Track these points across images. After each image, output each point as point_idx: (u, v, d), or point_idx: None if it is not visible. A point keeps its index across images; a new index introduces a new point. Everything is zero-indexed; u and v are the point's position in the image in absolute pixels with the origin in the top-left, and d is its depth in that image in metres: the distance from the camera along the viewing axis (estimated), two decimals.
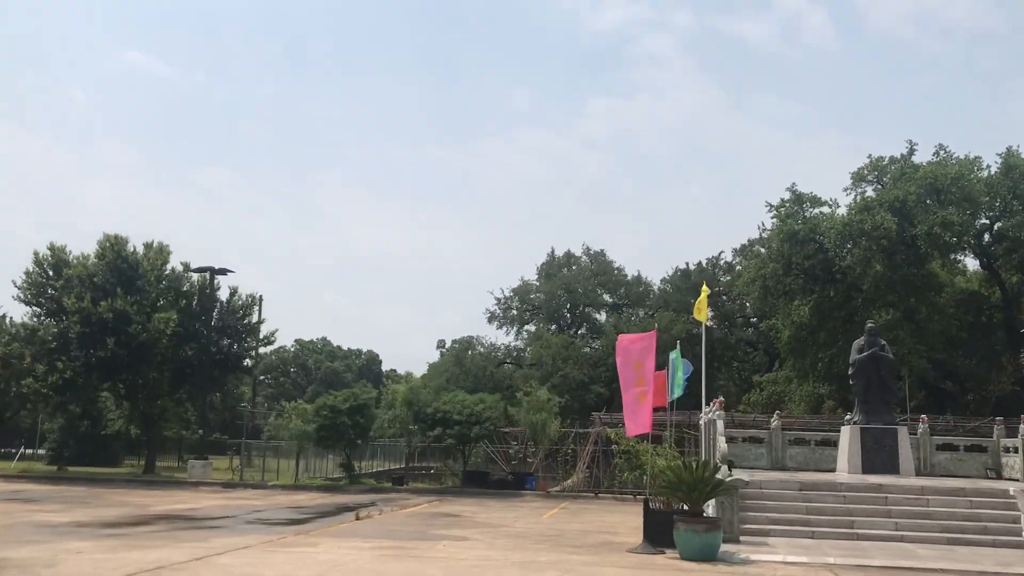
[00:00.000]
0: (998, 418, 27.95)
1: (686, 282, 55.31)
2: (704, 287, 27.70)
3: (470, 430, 30.45)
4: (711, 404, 21.86)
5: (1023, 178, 34.71)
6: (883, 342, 24.96)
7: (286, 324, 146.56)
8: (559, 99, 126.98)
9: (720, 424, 20.31)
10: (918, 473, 26.44)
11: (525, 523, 21.37)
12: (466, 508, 25.10)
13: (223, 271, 37.10)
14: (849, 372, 25.10)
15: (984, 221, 37.24)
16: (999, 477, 26.13)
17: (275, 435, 34.74)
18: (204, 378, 37.18)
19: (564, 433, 33.25)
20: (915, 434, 27.09)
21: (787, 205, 37.66)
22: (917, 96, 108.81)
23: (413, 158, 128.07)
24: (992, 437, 27.13)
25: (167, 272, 38.58)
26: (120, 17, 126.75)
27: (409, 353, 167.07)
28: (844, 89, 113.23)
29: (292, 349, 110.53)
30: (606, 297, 63.18)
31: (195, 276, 38.74)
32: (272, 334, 40.39)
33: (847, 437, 24.18)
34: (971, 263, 42.18)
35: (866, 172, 37.03)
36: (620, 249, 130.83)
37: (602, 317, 61.80)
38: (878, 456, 23.54)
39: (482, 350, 58.70)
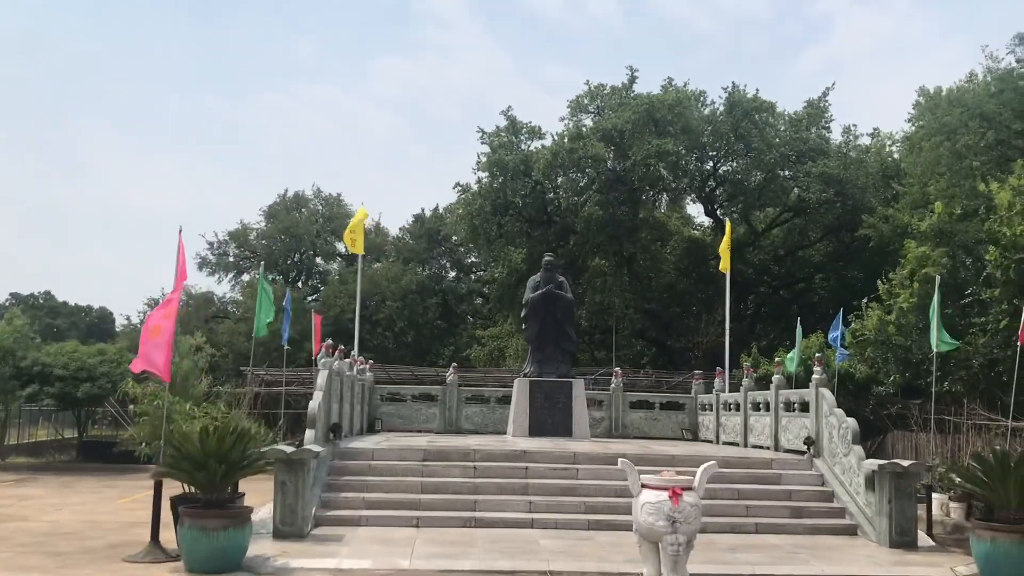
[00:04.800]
0: (697, 372, 24.75)
1: (420, 229, 50.55)
2: (362, 210, 22.64)
3: (77, 388, 23.89)
4: (324, 350, 16.55)
5: (745, 115, 31.97)
6: (562, 279, 20.65)
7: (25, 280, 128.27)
8: (344, 55, 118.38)
9: (321, 377, 15.21)
10: (609, 435, 22.81)
11: (68, 513, 15.73)
12: (33, 492, 19.00)
13: None
14: (522, 315, 20.75)
15: (709, 165, 34.51)
16: (695, 438, 22.92)
17: None
18: None
19: (216, 392, 26.89)
20: (608, 390, 23.53)
21: (502, 134, 33.15)
22: (690, 71, 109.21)
23: (187, 109, 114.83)
24: (691, 394, 23.93)
25: None
26: None
27: None
28: (624, 61, 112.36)
29: (6, 304, 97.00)
30: (339, 246, 57.47)
31: None
32: None
33: (517, 393, 19.92)
34: (698, 212, 39.87)
35: (585, 101, 33.07)
36: (409, 210, 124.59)
37: (334, 267, 56.08)
38: (550, 416, 19.42)
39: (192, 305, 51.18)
